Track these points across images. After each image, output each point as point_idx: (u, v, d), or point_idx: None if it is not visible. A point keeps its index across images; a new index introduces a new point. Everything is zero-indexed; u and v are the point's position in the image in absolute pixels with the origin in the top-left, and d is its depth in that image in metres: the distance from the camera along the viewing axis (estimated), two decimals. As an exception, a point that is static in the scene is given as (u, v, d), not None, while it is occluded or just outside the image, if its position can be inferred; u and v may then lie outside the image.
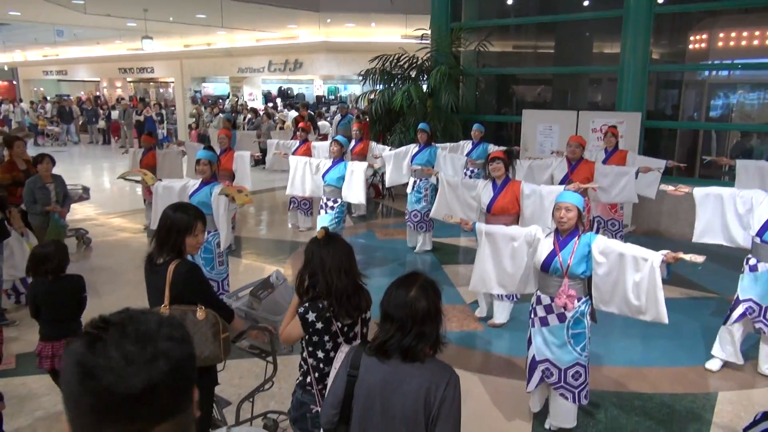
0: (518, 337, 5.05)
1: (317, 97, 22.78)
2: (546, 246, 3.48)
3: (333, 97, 23.66)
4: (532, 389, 3.65)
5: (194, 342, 2.51)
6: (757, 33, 8.36)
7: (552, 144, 8.88)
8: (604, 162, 6.84)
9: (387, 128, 10.60)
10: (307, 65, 18.08)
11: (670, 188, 4.52)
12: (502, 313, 5.24)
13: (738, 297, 4.30)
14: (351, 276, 2.48)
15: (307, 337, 2.50)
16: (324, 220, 6.45)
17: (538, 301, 3.55)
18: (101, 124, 20.77)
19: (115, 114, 19.86)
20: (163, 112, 21.61)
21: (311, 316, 2.46)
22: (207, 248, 4.84)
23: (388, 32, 15.73)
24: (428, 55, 10.50)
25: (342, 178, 6.40)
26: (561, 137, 8.60)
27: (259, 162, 12.02)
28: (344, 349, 2.44)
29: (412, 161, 7.64)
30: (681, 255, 3.15)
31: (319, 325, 2.47)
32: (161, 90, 26.41)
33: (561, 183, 5.93)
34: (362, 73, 10.77)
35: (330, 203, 6.50)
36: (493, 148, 7.53)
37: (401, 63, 10.58)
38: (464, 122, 10.02)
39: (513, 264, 3.87)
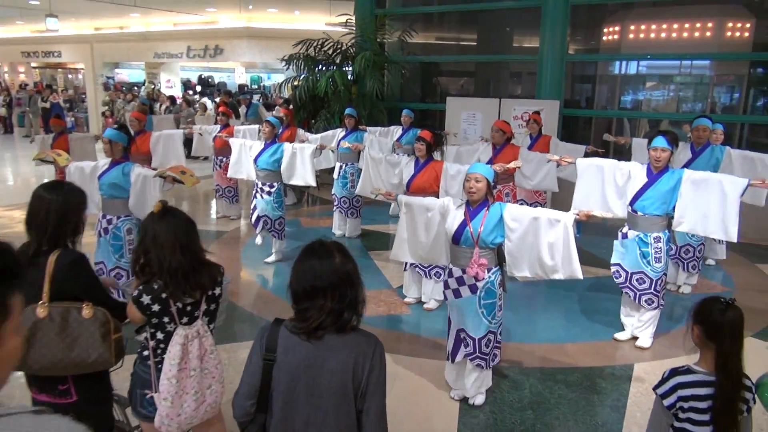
0: (446, 319, 5.09)
1: (240, 86, 22.10)
2: (457, 217, 3.55)
3: (256, 86, 23.04)
4: (460, 360, 3.67)
5: (80, 344, 2.28)
6: (664, 26, 8.80)
7: (475, 131, 9.00)
8: (530, 148, 6.99)
9: (312, 115, 10.39)
10: (228, 52, 17.45)
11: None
12: (434, 297, 5.24)
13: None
14: (190, 252, 2.28)
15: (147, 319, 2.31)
16: (263, 204, 6.18)
17: (450, 274, 3.60)
18: (2, 111, 19.23)
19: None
20: (72, 99, 20.25)
21: (146, 299, 2.25)
22: (116, 235, 4.51)
23: (312, 19, 15.43)
24: (353, 41, 10.38)
25: (277, 161, 6.14)
26: (484, 124, 8.75)
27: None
28: (180, 332, 2.29)
29: (338, 146, 7.53)
30: (593, 212, 3.50)
31: (155, 308, 2.26)
32: (70, 76, 24.77)
33: None
34: (285, 58, 10.49)
35: (266, 188, 6.22)
36: None
37: (326, 49, 10.39)
38: (390, 110, 10.00)
39: (427, 234, 3.98)
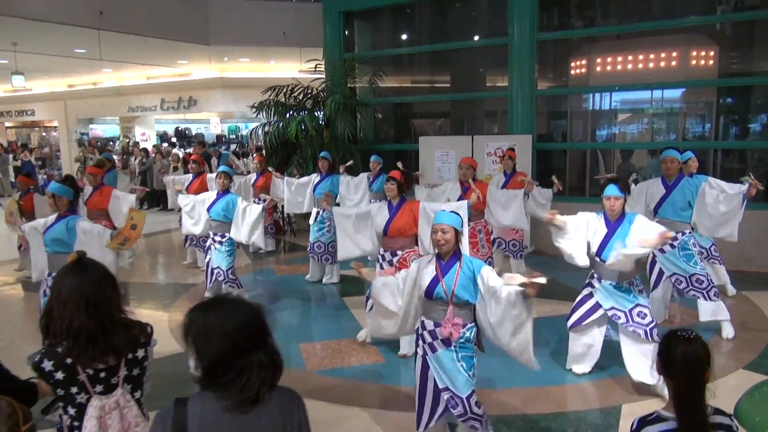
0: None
1: (217, 136, 22.02)
2: (428, 272, 3.25)
3: (234, 135, 22.99)
4: (435, 423, 3.31)
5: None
6: (630, 58, 8.87)
7: (450, 170, 8.89)
8: (504, 185, 6.86)
9: (284, 161, 10.25)
10: (202, 102, 17.43)
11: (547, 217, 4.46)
12: (409, 342, 4.96)
13: (597, 303, 4.30)
14: (100, 311, 1.98)
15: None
16: (216, 255, 5.95)
17: (423, 327, 3.28)
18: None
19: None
20: (46, 156, 20.01)
21: (47, 365, 1.96)
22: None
23: (286, 67, 15.48)
24: (323, 85, 10.36)
25: (229, 213, 5.92)
26: (458, 162, 8.62)
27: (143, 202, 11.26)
28: (95, 404, 1.99)
29: (314, 190, 7.36)
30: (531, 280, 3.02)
31: (59, 375, 1.96)
32: (44, 134, 24.59)
33: None
34: (256, 105, 10.41)
35: (217, 238, 6.00)
36: None
37: (295, 94, 10.35)
38: (363, 152, 9.88)
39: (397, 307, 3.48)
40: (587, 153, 9.57)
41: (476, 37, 9.90)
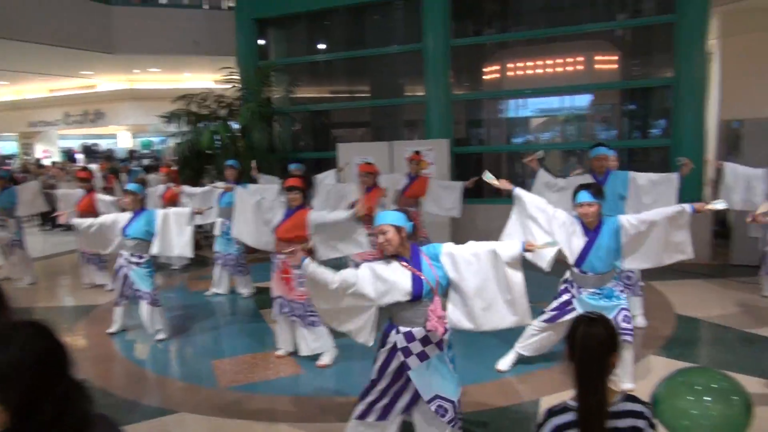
0: (342, 373, 4.64)
1: (130, 151, 20.98)
2: (401, 273, 3.00)
3: (147, 150, 22.00)
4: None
5: None
6: (540, 63, 9.16)
7: (369, 175, 8.79)
8: (405, 189, 6.85)
9: (198, 173, 9.83)
10: (110, 116, 16.57)
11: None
12: (326, 352, 4.78)
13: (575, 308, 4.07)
14: None
15: None
16: (138, 279, 5.46)
17: (411, 338, 3.02)
18: None
19: None
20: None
21: None
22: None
23: (200, 78, 15.01)
24: (239, 94, 10.06)
25: (151, 228, 5.46)
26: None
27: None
28: None
29: (219, 201, 7.04)
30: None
31: None
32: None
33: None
34: (167, 114, 9.95)
35: (135, 259, 5.52)
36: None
37: (208, 103, 9.98)
38: (282, 161, 9.65)
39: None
40: (503, 157, 9.80)
41: (392, 45, 9.94)
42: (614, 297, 3.97)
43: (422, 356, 3.02)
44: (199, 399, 4.31)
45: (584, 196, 3.83)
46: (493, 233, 8.67)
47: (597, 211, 3.85)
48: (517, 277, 3.07)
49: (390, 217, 3.05)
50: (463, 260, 3.07)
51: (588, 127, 9.58)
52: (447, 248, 3.11)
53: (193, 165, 9.82)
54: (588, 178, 5.37)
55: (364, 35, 10.44)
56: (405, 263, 3.01)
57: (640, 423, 1.80)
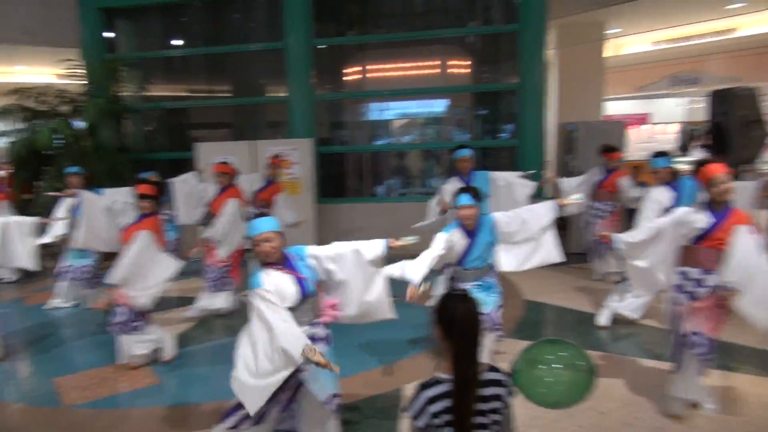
0: (203, 379, 4.46)
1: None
2: (284, 282, 2.97)
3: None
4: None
5: None
6: (398, 66, 9.48)
7: (231, 175, 8.53)
8: (260, 191, 6.69)
9: (35, 174, 8.90)
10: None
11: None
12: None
13: None
14: None
15: None
16: None
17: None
18: None
19: None
20: None
21: None
22: None
23: (37, 71, 13.56)
24: (84, 89, 9.25)
25: None
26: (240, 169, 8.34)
27: None
28: None
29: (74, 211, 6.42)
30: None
31: None
32: None
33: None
34: (-3, 110, 8.89)
35: None
36: None
37: (47, 98, 9.06)
38: (135, 162, 9.05)
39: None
40: (366, 156, 10.01)
41: (253, 42, 9.72)
42: (492, 290, 4.21)
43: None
44: (38, 421, 3.92)
45: (465, 199, 4.00)
46: (355, 232, 8.93)
47: (476, 213, 4.03)
48: (380, 274, 3.21)
49: (271, 224, 3.01)
50: (328, 260, 3.15)
51: (445, 129, 10.08)
52: (311, 251, 3.16)
53: (30, 166, 8.87)
54: (454, 180, 5.66)
55: (224, 31, 10.10)
56: (282, 268, 3.00)
57: (501, 391, 1.98)
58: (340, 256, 3.17)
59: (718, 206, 3.44)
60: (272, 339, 2.74)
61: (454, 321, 1.92)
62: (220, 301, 5.88)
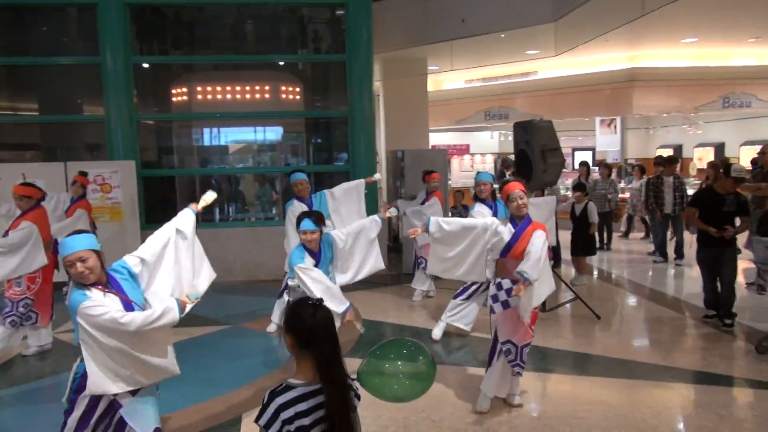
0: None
1: None
2: (111, 303, 2.74)
3: None
4: None
5: None
6: (228, 88, 9.28)
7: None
8: (66, 210, 6.38)
9: None
10: None
11: None
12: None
13: None
14: None
15: None
16: None
17: None
18: None
19: None
20: None
21: None
22: None
23: None
24: None
25: None
26: (50, 191, 7.49)
27: None
28: None
29: None
30: None
31: None
32: None
33: None
34: None
35: None
36: None
37: None
38: None
39: None
40: (196, 178, 9.62)
41: (65, 56, 8.86)
42: None
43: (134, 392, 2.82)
44: None
45: (307, 224, 4.09)
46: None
47: (318, 238, 4.14)
48: (197, 243, 3.33)
49: (86, 242, 2.74)
50: (155, 257, 3.07)
51: (279, 156, 10.05)
52: (133, 260, 2.97)
53: None
54: (298, 203, 5.73)
55: (29, 42, 9.07)
56: (104, 288, 2.73)
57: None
58: (164, 246, 3.14)
59: (518, 219, 3.93)
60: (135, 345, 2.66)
61: (316, 328, 1.92)
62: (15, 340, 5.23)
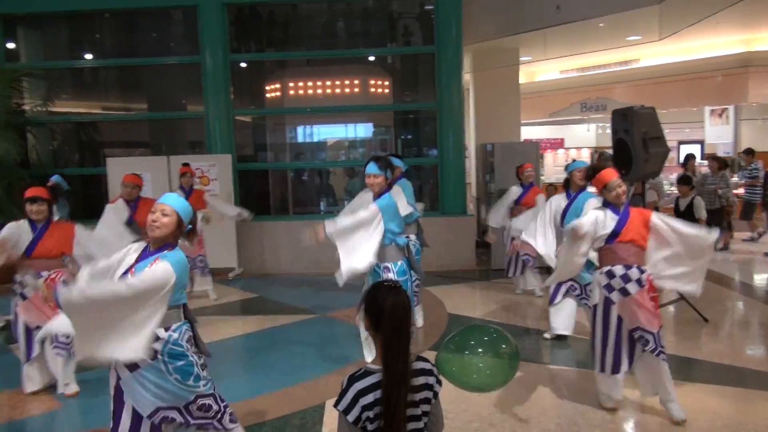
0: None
1: None
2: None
3: None
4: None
5: None
6: (319, 83, 9.47)
7: (145, 191, 8.14)
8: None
9: None
10: None
11: None
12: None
13: None
14: None
15: None
16: None
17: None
18: None
19: None
20: None
21: None
22: None
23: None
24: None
25: None
26: (154, 183, 8.00)
27: None
28: None
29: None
30: None
31: None
32: None
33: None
34: None
35: None
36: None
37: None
38: (40, 178, 8.46)
39: None
40: (286, 176, 9.91)
41: (169, 56, 9.43)
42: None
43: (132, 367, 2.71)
44: None
45: (370, 167, 4.26)
46: (282, 248, 8.74)
47: (380, 183, 4.27)
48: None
49: (177, 202, 2.84)
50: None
51: (368, 152, 10.14)
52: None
53: None
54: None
55: (137, 44, 9.75)
56: (153, 251, 2.82)
57: (430, 380, 1.95)
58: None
59: (618, 207, 3.68)
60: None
61: (383, 311, 1.87)
62: None
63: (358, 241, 4.18)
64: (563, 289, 5.01)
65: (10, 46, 9.30)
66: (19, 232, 4.10)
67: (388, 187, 4.42)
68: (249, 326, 6.09)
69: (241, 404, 4.00)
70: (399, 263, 4.35)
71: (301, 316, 6.29)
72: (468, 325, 2.25)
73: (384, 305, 1.88)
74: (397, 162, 5.66)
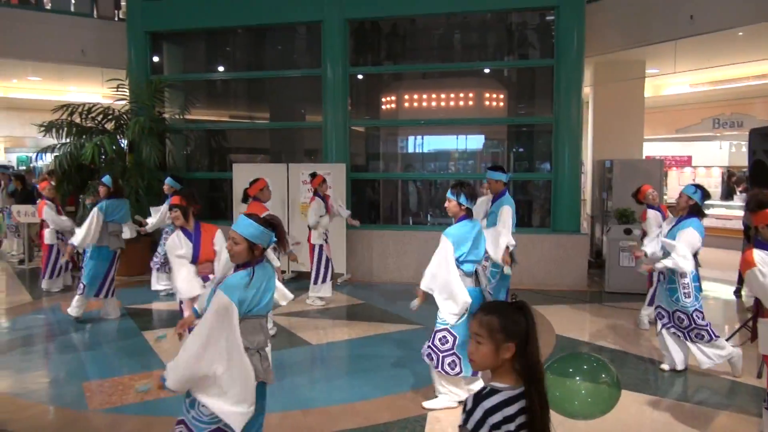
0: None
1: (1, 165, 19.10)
2: None
3: (24, 167, 20.17)
4: None
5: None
6: (434, 96, 9.57)
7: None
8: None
9: (79, 188, 9.20)
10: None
11: None
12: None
13: None
14: None
15: None
16: None
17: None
18: None
19: None
20: None
21: None
22: None
23: (86, 90, 14.11)
24: (127, 107, 9.59)
25: None
26: (274, 189, 8.44)
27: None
28: None
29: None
30: None
31: None
32: None
33: None
34: (44, 124, 9.27)
35: None
36: None
37: (93, 115, 9.41)
38: (175, 180, 9.26)
39: None
40: (398, 182, 10.06)
41: (292, 69, 9.98)
42: None
43: None
44: (64, 422, 3.95)
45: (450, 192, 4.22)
46: (389, 256, 8.87)
47: (452, 207, 4.22)
48: None
49: (241, 226, 2.87)
50: None
51: (479, 164, 10.08)
52: None
53: (74, 179, 9.18)
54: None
55: (265, 58, 10.41)
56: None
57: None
58: None
59: None
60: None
61: (531, 329, 1.86)
62: None
63: (447, 281, 4.21)
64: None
65: (155, 59, 10.27)
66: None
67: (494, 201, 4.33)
68: (355, 332, 6.26)
69: (346, 407, 4.14)
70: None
71: (406, 326, 6.35)
72: (571, 352, 2.19)
73: (529, 324, 1.86)
74: (496, 175, 5.50)
